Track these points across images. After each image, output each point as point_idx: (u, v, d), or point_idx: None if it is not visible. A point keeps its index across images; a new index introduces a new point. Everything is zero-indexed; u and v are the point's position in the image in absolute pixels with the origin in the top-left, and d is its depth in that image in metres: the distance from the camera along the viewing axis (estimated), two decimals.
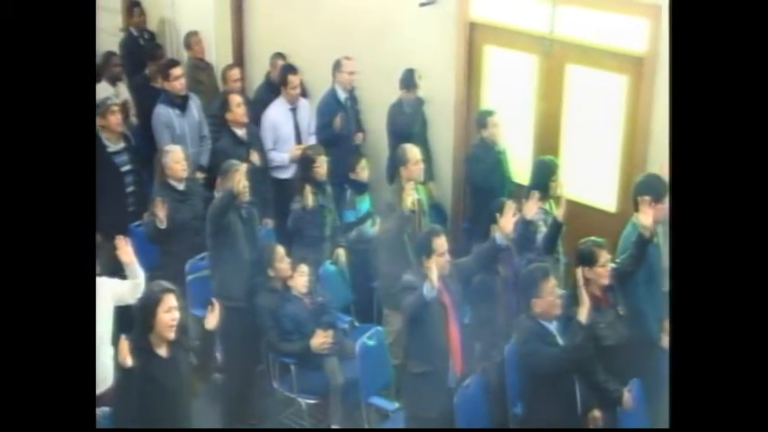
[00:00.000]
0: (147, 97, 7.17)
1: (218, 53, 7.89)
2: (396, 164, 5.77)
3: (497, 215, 4.87)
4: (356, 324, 5.78)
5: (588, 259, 4.60)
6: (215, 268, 5.56)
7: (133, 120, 7.26)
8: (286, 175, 6.60)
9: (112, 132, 6.21)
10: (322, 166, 5.96)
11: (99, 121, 6.26)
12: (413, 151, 5.68)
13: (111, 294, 4.68)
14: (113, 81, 7.37)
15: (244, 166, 5.49)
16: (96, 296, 4.51)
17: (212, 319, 4.35)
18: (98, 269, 4.61)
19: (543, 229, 5.25)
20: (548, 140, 6.27)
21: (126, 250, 4.76)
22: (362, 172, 6.12)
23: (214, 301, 4.41)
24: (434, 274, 4.50)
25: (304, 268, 5.44)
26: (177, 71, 6.73)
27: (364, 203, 6.17)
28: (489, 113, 6.17)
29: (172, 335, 4.14)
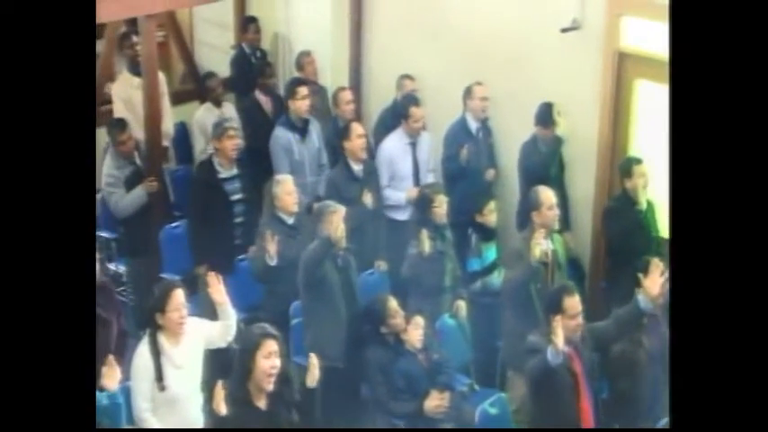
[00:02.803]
0: (257, 120, 7.32)
1: (333, 75, 8.01)
2: (527, 208, 5.70)
3: (641, 275, 4.74)
4: (476, 387, 5.71)
5: None
6: (308, 324, 5.60)
7: (239, 142, 7.39)
8: (402, 216, 6.60)
9: (226, 158, 6.35)
10: (441, 206, 5.93)
11: (214, 145, 6.44)
12: (547, 194, 5.60)
13: (202, 336, 4.74)
14: (218, 103, 7.55)
15: (342, 210, 5.50)
16: (185, 337, 4.64)
17: (312, 377, 4.35)
18: (186, 310, 4.67)
19: None
20: None
21: (218, 288, 4.78)
22: (490, 215, 6.06)
23: (313, 356, 4.41)
24: (560, 338, 4.46)
25: (419, 321, 5.41)
26: (303, 90, 6.80)
27: (490, 251, 6.11)
28: (637, 161, 6.00)
29: (271, 385, 4.17)
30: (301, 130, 6.80)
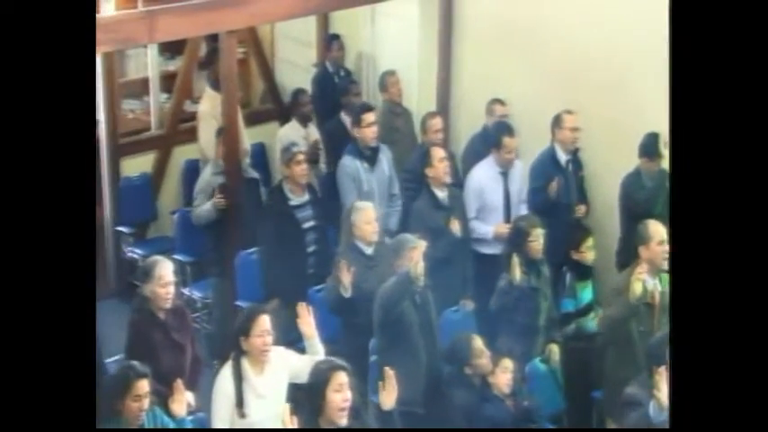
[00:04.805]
0: (340, 143, 7.28)
1: (419, 98, 7.96)
2: (634, 242, 5.54)
3: None
4: None
5: None
6: (384, 364, 5.41)
7: (322, 167, 7.37)
8: (490, 250, 6.49)
9: (296, 184, 6.36)
10: (537, 240, 5.81)
11: (283, 171, 6.45)
12: (657, 228, 5.46)
13: (287, 367, 4.75)
14: (305, 121, 7.55)
15: (422, 245, 5.43)
16: (269, 366, 4.67)
17: (388, 397, 4.26)
18: (272, 337, 4.68)
19: None
20: None
21: (307, 320, 4.83)
22: (588, 253, 5.96)
23: (389, 371, 4.33)
24: (664, 393, 4.32)
25: (508, 363, 5.31)
26: (370, 117, 6.73)
27: (586, 292, 5.99)
28: None
29: (344, 420, 4.13)
30: (370, 158, 6.71)
